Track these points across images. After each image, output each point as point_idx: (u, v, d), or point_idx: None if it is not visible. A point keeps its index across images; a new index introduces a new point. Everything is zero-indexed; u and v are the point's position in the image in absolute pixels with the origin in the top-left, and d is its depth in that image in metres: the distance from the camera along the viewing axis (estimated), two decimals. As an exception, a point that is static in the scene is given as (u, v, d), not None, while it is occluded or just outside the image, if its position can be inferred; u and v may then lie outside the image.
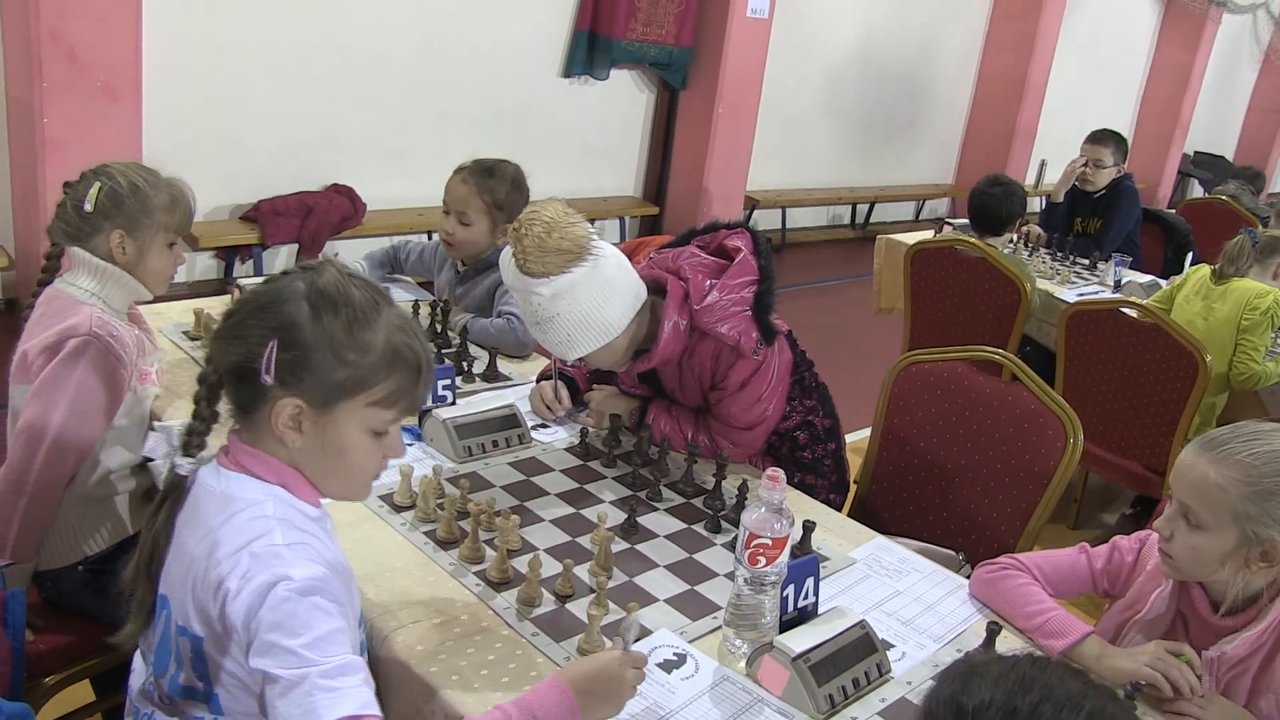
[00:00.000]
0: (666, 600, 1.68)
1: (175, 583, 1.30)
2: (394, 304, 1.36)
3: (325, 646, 1.21)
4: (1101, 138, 4.83)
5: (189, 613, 1.27)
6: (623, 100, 6.86)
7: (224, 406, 1.35)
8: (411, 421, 2.18)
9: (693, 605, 1.68)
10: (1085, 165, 4.81)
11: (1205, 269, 3.74)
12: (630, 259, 2.10)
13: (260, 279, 2.55)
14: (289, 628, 1.19)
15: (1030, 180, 9.66)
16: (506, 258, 1.97)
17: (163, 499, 1.35)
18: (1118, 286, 4.35)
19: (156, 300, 2.11)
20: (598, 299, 1.96)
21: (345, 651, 1.22)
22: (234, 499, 1.29)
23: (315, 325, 1.27)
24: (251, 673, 1.22)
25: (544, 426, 2.26)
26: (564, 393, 2.30)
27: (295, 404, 1.27)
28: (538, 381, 2.35)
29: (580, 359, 2.06)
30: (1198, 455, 1.56)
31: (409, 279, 3.10)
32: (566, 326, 1.97)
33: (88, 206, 1.93)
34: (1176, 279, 3.96)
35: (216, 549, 1.24)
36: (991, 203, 4.11)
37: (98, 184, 1.94)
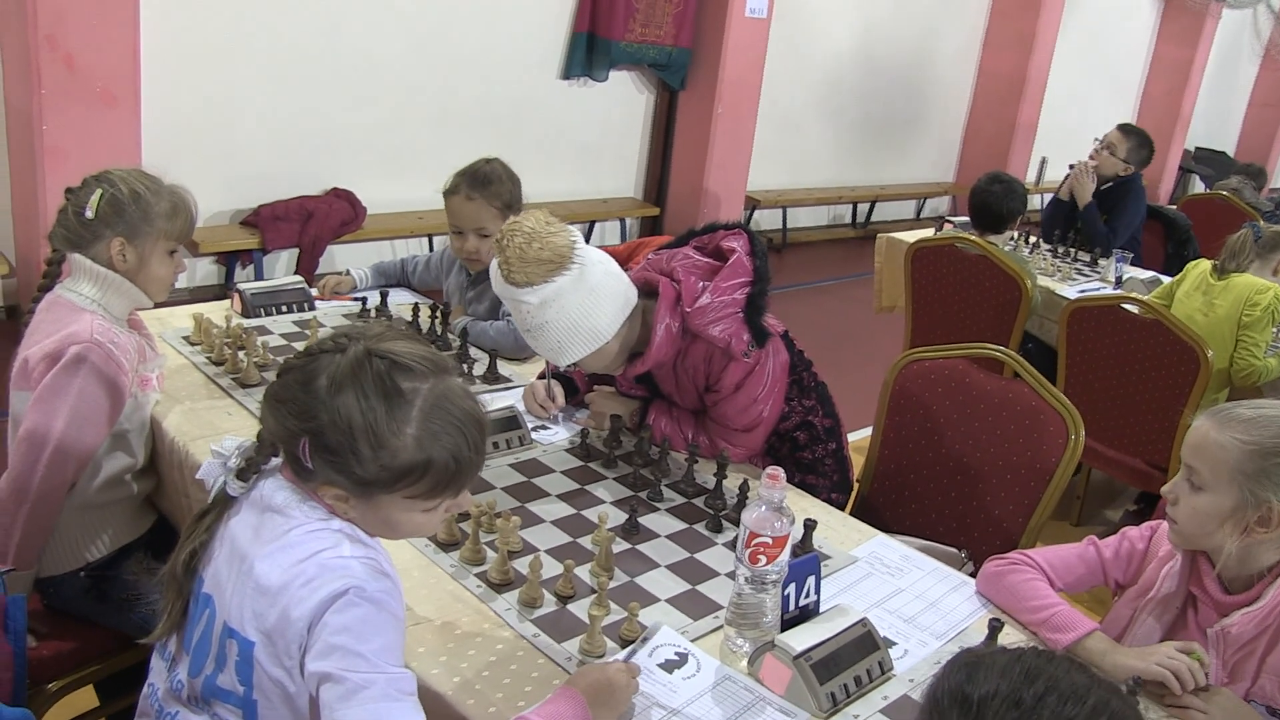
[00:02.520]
0: (668, 600, 1.68)
1: (228, 585, 1.30)
2: (439, 373, 1.29)
3: (392, 656, 1.23)
4: (1128, 130, 4.83)
5: (243, 617, 1.26)
6: (622, 101, 6.85)
7: None
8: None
9: (694, 605, 1.68)
10: (1103, 148, 4.79)
11: (1205, 264, 3.73)
12: (629, 260, 2.10)
13: (262, 283, 2.51)
14: (359, 632, 1.20)
15: (1031, 178, 9.65)
16: (495, 268, 1.98)
17: (208, 509, 1.36)
18: (1119, 283, 4.34)
19: (157, 306, 2.12)
20: (585, 306, 1.96)
21: (404, 666, 1.24)
22: (299, 512, 1.29)
23: (337, 429, 1.23)
24: (307, 678, 1.22)
25: (544, 427, 2.26)
26: (556, 391, 2.31)
27: (337, 491, 1.28)
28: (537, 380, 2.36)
29: (573, 364, 2.07)
30: (1205, 419, 1.61)
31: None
32: (556, 334, 1.97)
33: (89, 213, 1.93)
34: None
35: (281, 557, 1.25)
36: (992, 200, 4.10)
37: (99, 191, 1.94)
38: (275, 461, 1.35)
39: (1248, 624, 1.58)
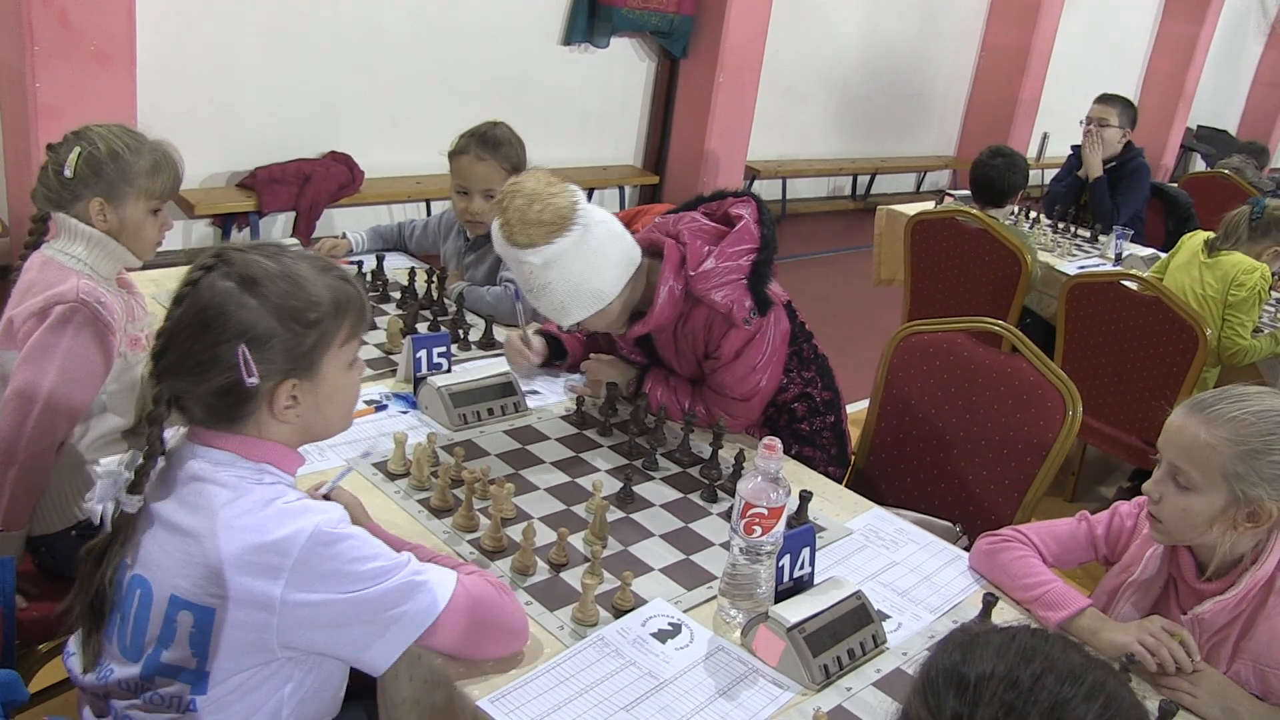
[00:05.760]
0: (661, 569, 1.68)
1: (166, 563, 1.26)
2: (290, 250, 1.35)
3: (392, 554, 1.29)
4: (1107, 98, 4.80)
5: (197, 588, 1.23)
6: (623, 69, 6.79)
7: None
8: (407, 389, 2.17)
9: (688, 575, 1.67)
10: (1091, 126, 4.76)
11: (1200, 237, 3.70)
12: (629, 227, 2.08)
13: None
14: (358, 555, 1.25)
15: (1032, 152, 9.59)
16: (496, 228, 1.96)
17: (112, 538, 1.31)
18: (1119, 259, 4.32)
19: (150, 267, 2.09)
20: (588, 267, 1.94)
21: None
22: (228, 471, 1.28)
23: (266, 309, 1.26)
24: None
25: (537, 393, 2.25)
26: (536, 340, 2.31)
27: (290, 384, 1.30)
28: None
29: (576, 325, 2.06)
30: (1187, 416, 1.57)
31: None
32: (559, 294, 1.96)
33: (68, 172, 1.90)
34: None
35: (236, 519, 1.24)
36: (994, 174, 4.07)
37: (78, 149, 1.90)
38: (159, 464, 1.32)
39: (1220, 611, 1.57)
